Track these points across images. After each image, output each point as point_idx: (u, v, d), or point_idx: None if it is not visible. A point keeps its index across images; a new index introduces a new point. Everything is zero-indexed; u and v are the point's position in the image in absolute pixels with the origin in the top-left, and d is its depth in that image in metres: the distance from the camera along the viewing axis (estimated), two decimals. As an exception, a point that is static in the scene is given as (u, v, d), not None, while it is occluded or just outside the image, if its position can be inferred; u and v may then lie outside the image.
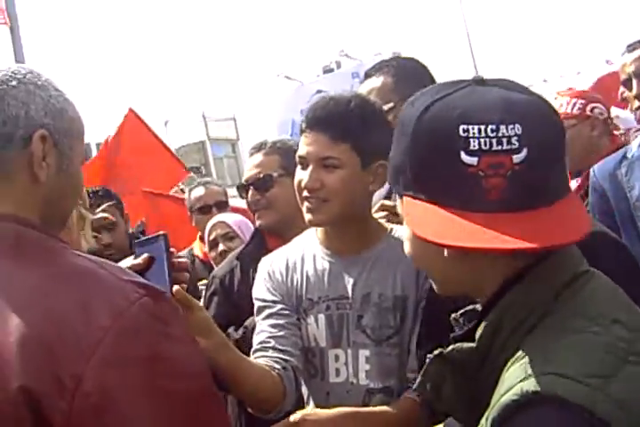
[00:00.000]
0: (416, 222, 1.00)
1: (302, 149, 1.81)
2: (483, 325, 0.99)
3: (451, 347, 1.02)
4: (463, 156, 0.94)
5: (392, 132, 1.71)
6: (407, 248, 1.09)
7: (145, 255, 1.41)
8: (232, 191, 3.30)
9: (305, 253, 1.91)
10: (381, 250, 1.85)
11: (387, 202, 2.04)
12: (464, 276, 1.03)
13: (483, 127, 0.93)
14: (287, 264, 1.91)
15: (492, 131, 0.93)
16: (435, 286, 1.12)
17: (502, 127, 0.93)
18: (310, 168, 1.79)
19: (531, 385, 0.85)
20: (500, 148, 0.93)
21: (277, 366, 1.70)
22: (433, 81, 2.24)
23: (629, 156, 2.47)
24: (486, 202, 0.94)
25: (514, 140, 0.93)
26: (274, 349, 1.75)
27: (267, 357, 1.73)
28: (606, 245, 1.45)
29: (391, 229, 1.89)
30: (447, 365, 1.02)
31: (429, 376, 1.05)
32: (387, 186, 2.35)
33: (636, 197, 2.38)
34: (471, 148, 0.93)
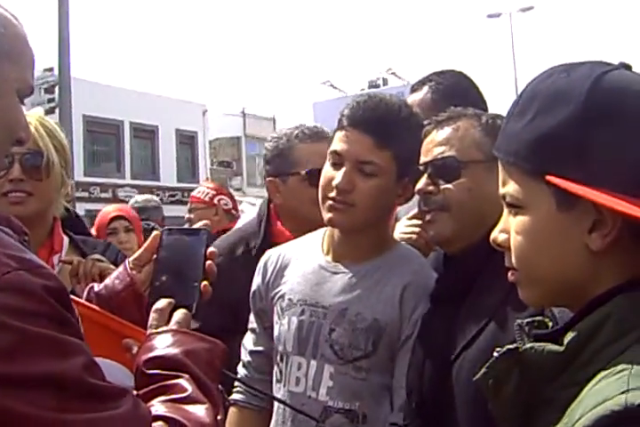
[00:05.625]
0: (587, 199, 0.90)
1: (340, 146, 1.69)
2: (576, 329, 0.92)
3: (529, 345, 0.94)
4: None
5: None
6: (526, 242, 0.97)
7: (156, 233, 1.36)
8: (262, 191, 3.17)
9: (304, 251, 1.84)
10: (377, 266, 1.73)
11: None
12: (589, 276, 0.94)
13: None
14: (283, 258, 1.85)
15: None
16: (531, 298, 1.01)
17: None
18: (345, 168, 1.67)
19: (636, 398, 0.80)
20: None
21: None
22: (479, 94, 2.16)
23: None
24: None
25: None
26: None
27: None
28: None
29: (401, 245, 1.81)
30: (517, 364, 0.94)
31: (495, 372, 0.96)
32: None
33: None
34: None
